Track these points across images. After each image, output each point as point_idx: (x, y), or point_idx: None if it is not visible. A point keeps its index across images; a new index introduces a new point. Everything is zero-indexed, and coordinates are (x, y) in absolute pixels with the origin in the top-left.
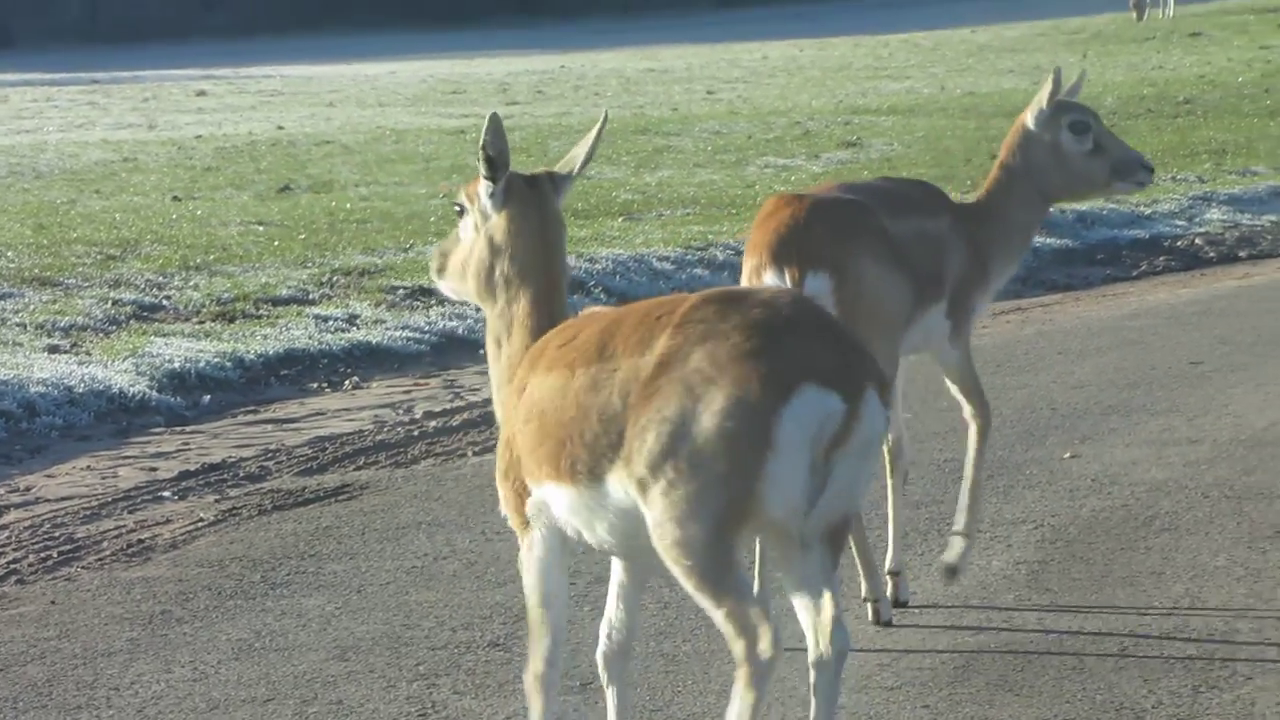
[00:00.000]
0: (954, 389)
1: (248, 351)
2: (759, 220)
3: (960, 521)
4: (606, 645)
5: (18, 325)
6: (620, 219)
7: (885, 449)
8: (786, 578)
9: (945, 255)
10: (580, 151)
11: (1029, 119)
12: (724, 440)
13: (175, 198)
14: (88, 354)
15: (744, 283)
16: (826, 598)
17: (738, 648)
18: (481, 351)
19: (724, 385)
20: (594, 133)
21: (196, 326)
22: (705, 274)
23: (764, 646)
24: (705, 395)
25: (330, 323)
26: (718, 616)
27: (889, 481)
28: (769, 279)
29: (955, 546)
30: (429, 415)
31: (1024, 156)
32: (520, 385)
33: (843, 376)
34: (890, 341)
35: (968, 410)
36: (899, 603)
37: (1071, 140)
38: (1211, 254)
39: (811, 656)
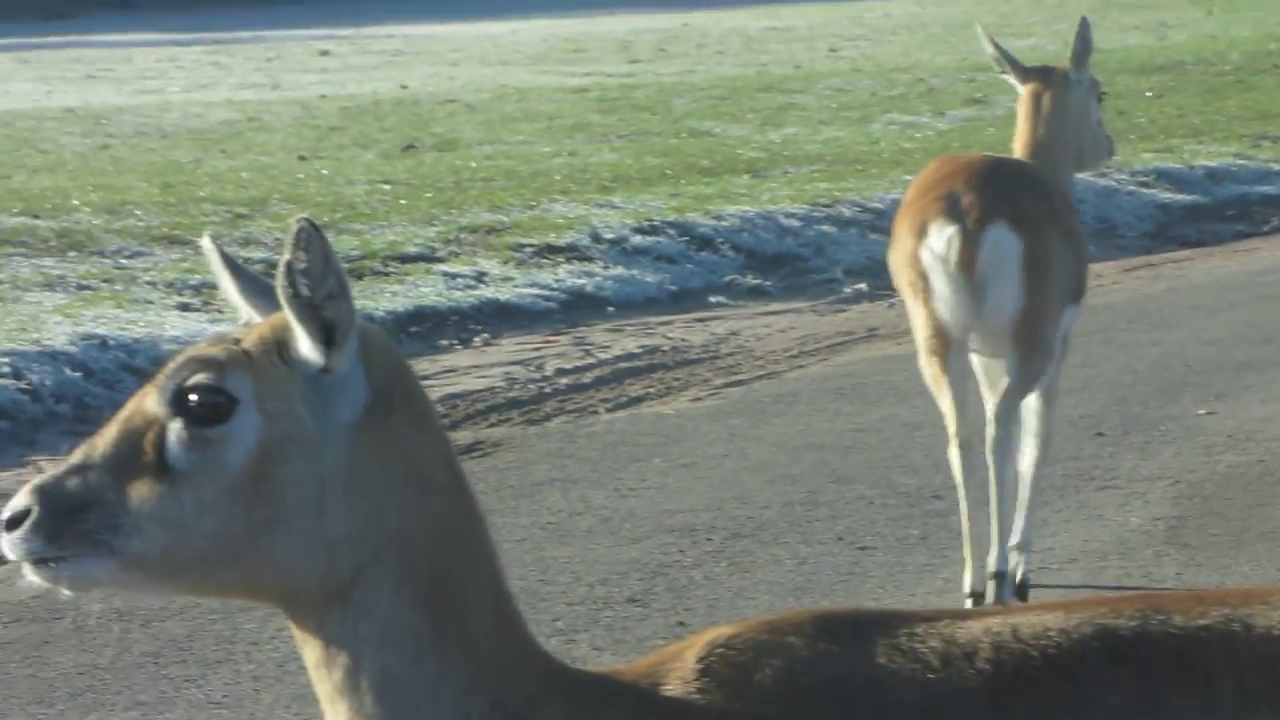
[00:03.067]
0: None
1: (377, 309)
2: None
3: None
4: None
5: (148, 283)
6: (746, 176)
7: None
8: None
9: None
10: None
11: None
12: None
13: (301, 157)
14: (219, 311)
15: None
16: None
17: None
18: (610, 309)
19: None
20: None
21: None
22: (833, 230)
23: None
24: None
25: (458, 280)
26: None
27: None
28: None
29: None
30: (560, 372)
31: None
32: None
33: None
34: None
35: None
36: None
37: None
38: None
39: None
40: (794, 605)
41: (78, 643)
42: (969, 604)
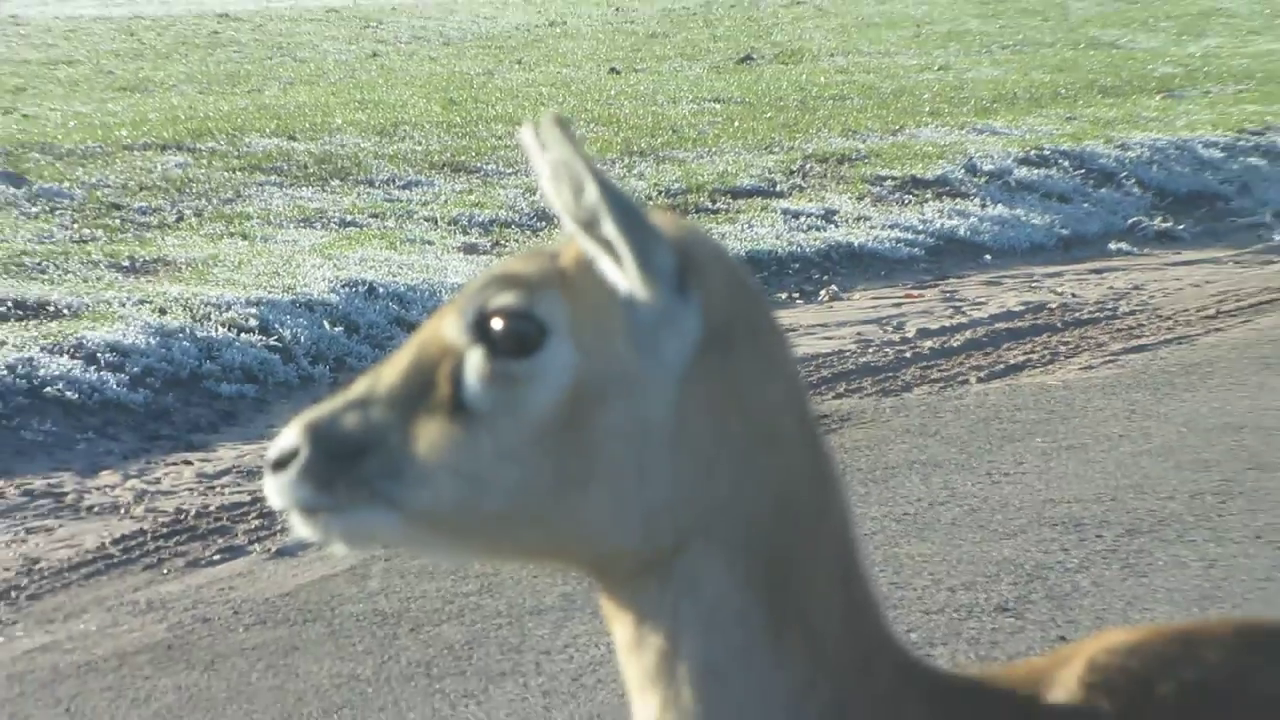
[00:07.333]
0: None
1: None
2: None
3: None
4: None
5: (427, 220)
6: (1158, 96)
7: None
8: None
9: None
10: None
11: None
12: None
13: (613, 70)
14: (512, 255)
15: None
16: None
17: None
18: (986, 257)
19: None
20: None
21: None
22: (1262, 164)
23: None
24: None
25: (802, 219)
26: None
27: None
28: None
29: None
30: (923, 333)
31: None
32: None
33: None
34: None
35: None
36: None
37: None
38: None
39: None
40: (1200, 616)
41: (333, 649)
42: None
